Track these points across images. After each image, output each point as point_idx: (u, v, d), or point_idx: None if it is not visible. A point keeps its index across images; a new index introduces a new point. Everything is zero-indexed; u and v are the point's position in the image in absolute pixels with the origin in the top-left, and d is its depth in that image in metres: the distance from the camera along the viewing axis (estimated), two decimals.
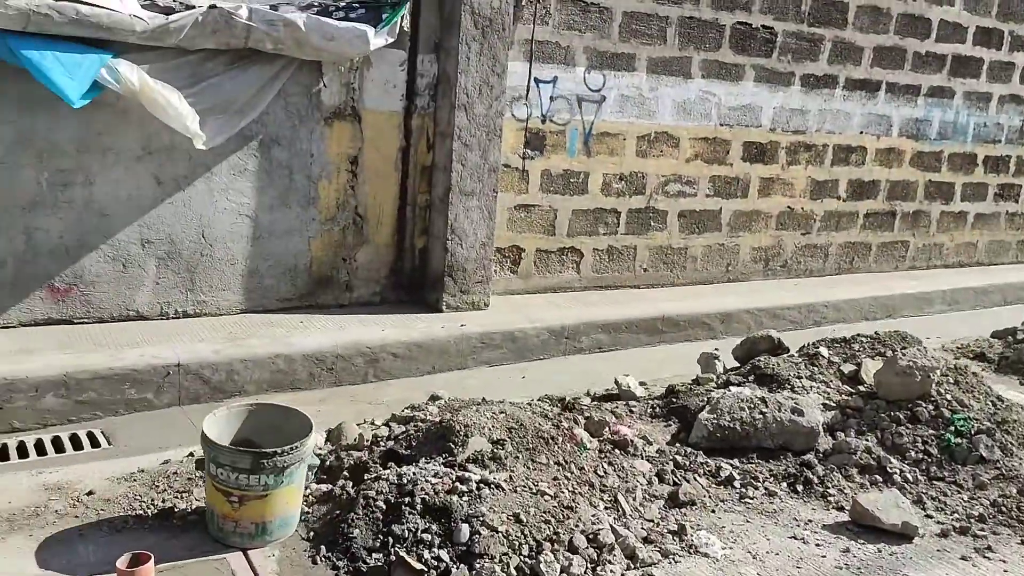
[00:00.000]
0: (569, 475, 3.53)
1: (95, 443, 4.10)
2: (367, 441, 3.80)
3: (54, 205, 4.78)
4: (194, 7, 4.72)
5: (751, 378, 4.66)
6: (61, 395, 4.28)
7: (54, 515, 3.27)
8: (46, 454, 3.94)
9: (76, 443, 4.09)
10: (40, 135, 4.66)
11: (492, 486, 3.27)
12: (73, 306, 4.96)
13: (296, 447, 3.12)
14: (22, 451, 3.96)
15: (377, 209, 5.74)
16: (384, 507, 3.17)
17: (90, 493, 3.44)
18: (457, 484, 3.24)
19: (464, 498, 3.17)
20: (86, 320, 5.00)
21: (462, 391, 5.02)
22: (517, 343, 5.67)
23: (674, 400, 4.52)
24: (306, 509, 3.37)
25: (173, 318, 5.25)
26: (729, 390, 4.36)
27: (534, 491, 3.31)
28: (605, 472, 3.66)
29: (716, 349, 5.19)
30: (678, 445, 4.11)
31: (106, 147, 4.84)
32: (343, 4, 5.19)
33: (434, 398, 4.31)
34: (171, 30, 4.63)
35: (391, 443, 3.72)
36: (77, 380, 4.32)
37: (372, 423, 4.22)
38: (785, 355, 4.96)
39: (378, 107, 5.58)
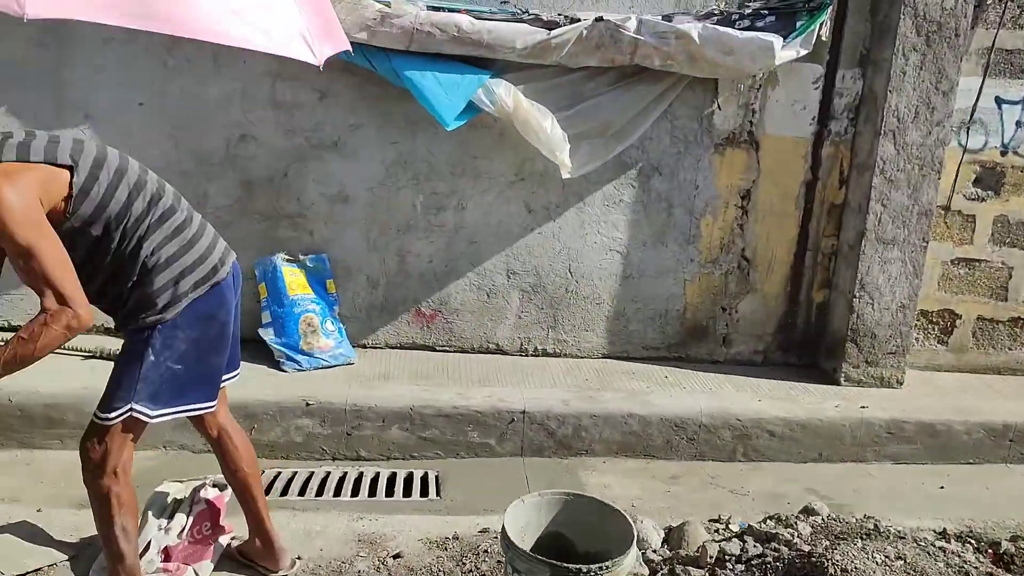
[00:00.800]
0: None
1: (424, 489, 3.81)
2: (711, 557, 2.98)
3: (427, 228, 4.67)
4: (579, 20, 4.28)
5: None
6: (406, 429, 4.09)
7: None
8: (375, 494, 3.73)
9: (408, 484, 3.85)
10: (419, 157, 4.57)
11: None
12: (437, 332, 4.82)
13: (607, 567, 2.42)
14: (356, 486, 3.80)
15: (768, 253, 4.83)
16: None
17: (397, 556, 3.09)
18: None
19: None
20: (447, 348, 4.84)
21: (852, 495, 3.95)
22: (937, 439, 4.37)
23: None
24: None
25: (532, 355, 4.89)
26: None
27: None
28: None
29: None
30: None
31: (480, 171, 4.62)
32: (748, 11, 4.40)
33: (808, 512, 3.33)
34: (552, 46, 4.23)
35: (740, 568, 2.86)
36: (422, 415, 4.10)
37: (726, 526, 3.38)
38: None
39: (781, 132, 4.68)
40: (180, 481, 3.12)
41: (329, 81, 4.41)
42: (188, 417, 2.63)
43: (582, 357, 4.89)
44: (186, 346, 2.40)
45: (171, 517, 2.93)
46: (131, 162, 2.39)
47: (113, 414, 2.34)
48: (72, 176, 2.21)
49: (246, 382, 4.13)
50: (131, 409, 2.34)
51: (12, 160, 2.14)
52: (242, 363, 4.32)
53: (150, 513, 2.90)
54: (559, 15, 4.32)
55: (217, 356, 2.56)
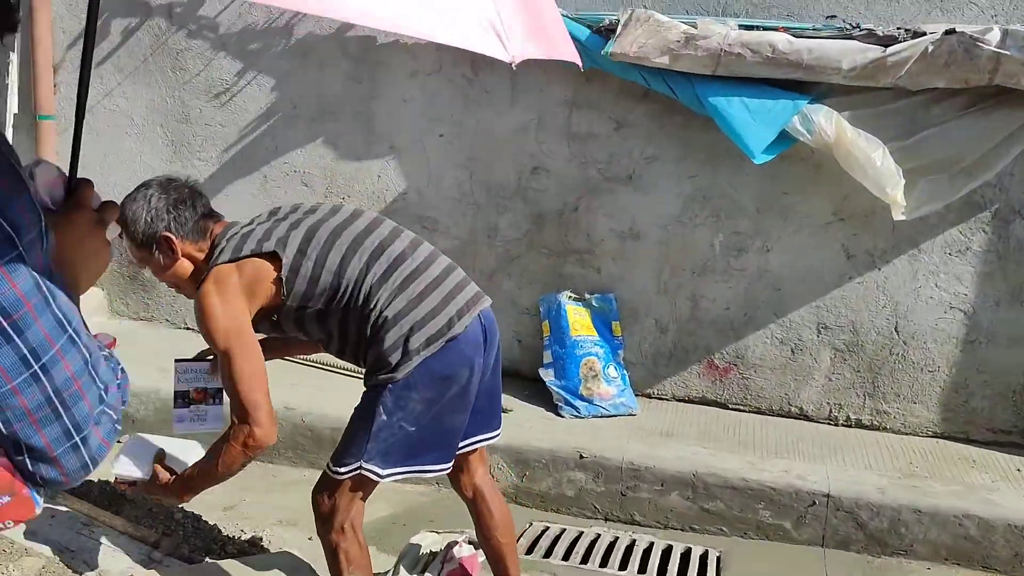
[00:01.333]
0: None
1: (703, 571, 3.33)
2: None
3: (724, 272, 4.19)
4: (924, 34, 3.59)
5: None
6: (687, 497, 3.64)
7: None
8: (646, 570, 3.31)
9: (684, 561, 3.39)
10: (719, 192, 4.12)
11: None
12: (730, 388, 4.31)
13: None
14: (626, 555, 3.41)
15: None
16: None
17: None
18: None
19: None
20: (741, 407, 4.30)
21: None
22: None
23: None
24: None
25: (843, 425, 4.20)
26: None
27: None
28: None
29: None
30: None
31: (789, 209, 4.06)
32: None
33: None
34: (888, 65, 3.59)
35: None
36: (705, 484, 3.62)
37: None
38: None
39: None
40: (437, 532, 2.97)
41: (626, 110, 4.12)
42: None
43: (906, 434, 4.11)
44: (421, 407, 2.24)
45: (422, 572, 2.77)
46: (357, 221, 2.34)
47: (344, 469, 2.25)
48: (281, 259, 2.24)
49: (520, 425, 3.96)
50: (361, 466, 2.24)
51: (226, 261, 2.21)
52: (520, 403, 4.21)
53: (402, 567, 2.76)
54: (898, 29, 3.66)
55: (456, 416, 2.35)
